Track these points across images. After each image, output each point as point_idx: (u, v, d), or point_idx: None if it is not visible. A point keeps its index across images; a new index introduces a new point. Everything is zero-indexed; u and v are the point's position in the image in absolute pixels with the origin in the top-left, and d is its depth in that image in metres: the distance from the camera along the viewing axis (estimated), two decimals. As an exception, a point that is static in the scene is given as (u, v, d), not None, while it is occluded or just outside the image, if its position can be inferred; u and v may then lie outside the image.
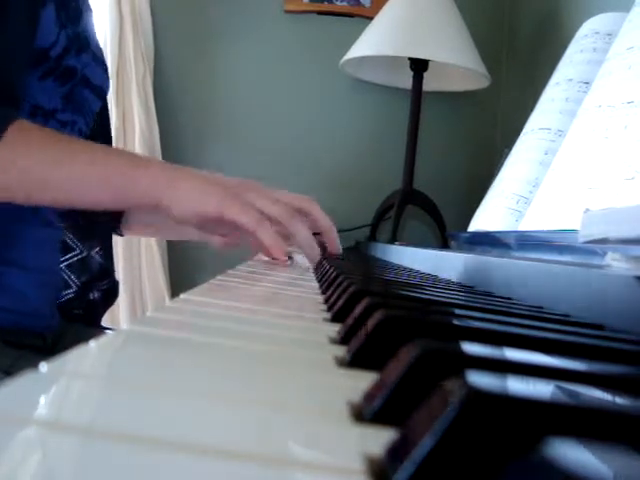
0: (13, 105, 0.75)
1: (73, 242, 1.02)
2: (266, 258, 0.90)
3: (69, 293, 1.01)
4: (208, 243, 0.88)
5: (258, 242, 0.74)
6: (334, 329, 0.37)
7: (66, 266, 1.01)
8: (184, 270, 1.90)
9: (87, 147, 0.76)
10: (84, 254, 1.02)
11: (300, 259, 0.95)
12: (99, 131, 1.02)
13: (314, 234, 0.82)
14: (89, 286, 1.02)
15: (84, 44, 0.86)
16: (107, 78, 0.97)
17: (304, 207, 0.81)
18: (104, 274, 1.04)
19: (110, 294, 1.07)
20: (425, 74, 1.63)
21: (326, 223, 0.84)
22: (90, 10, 0.94)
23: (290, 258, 0.87)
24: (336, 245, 0.87)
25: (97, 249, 1.03)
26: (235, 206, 0.72)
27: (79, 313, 1.02)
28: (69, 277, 1.01)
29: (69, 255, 1.01)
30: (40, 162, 0.70)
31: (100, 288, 1.04)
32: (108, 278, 1.05)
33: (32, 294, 0.85)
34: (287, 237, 0.79)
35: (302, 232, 0.78)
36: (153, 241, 1.79)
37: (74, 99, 0.87)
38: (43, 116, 0.82)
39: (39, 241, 0.87)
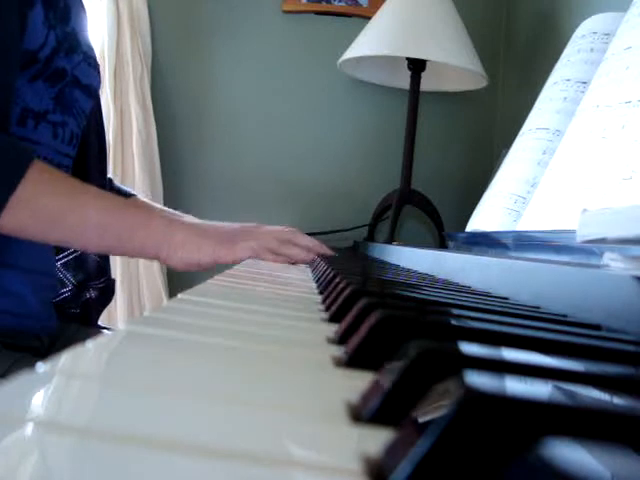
0: (3, 115, 0.75)
1: None
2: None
3: (65, 292, 1.00)
4: None
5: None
6: (332, 329, 0.37)
7: (62, 265, 1.00)
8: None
9: (102, 196, 0.82)
10: (80, 252, 1.02)
11: None
12: (92, 131, 1.01)
13: None
14: (85, 285, 1.02)
15: (74, 44, 0.86)
16: (98, 76, 0.96)
17: (288, 237, 0.91)
18: (100, 272, 1.04)
19: (106, 293, 1.06)
20: (423, 74, 1.63)
21: (311, 243, 0.94)
22: (83, 9, 0.93)
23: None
24: (328, 254, 0.98)
25: None
26: (229, 250, 0.82)
27: (75, 312, 1.02)
28: (65, 276, 1.00)
29: (65, 253, 1.01)
30: (54, 205, 0.74)
31: (96, 287, 1.04)
32: (104, 276, 1.05)
33: (29, 296, 0.84)
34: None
35: (294, 251, 0.90)
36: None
37: (64, 100, 0.86)
38: (34, 118, 0.82)
39: (36, 243, 0.86)
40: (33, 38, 0.78)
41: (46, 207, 0.73)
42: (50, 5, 0.80)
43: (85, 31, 0.92)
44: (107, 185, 1.05)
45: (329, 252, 0.98)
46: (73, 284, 1.01)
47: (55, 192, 0.74)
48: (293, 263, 0.93)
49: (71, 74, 0.85)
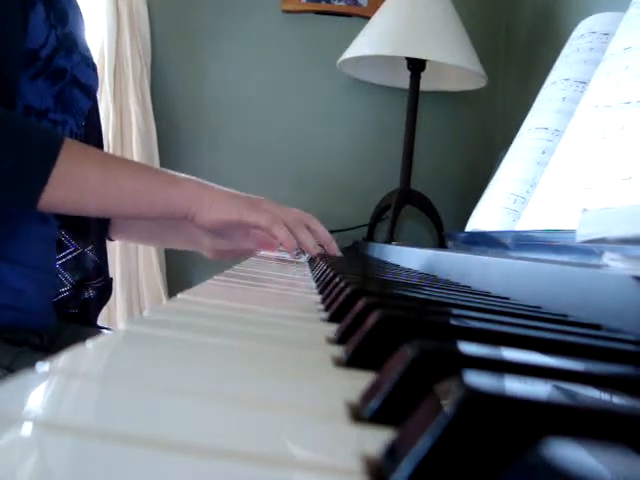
0: (9, 108, 0.76)
1: (67, 240, 1.02)
2: (269, 255, 0.99)
3: (64, 292, 1.01)
4: (200, 252, 1.04)
5: (270, 239, 0.90)
6: (331, 329, 0.37)
7: (60, 265, 1.01)
8: (181, 270, 1.89)
9: (130, 163, 0.88)
10: (78, 251, 1.02)
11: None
12: (90, 130, 1.02)
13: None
14: (84, 284, 1.02)
15: (73, 45, 0.87)
16: (96, 78, 0.98)
17: (307, 221, 0.95)
18: (98, 272, 1.04)
19: (104, 292, 1.07)
20: (422, 74, 1.63)
21: (326, 236, 0.98)
22: (78, 11, 0.94)
23: (300, 253, 1.00)
24: (336, 253, 1.01)
25: (91, 247, 1.04)
26: (253, 212, 0.86)
27: (74, 312, 1.02)
28: (63, 276, 1.01)
29: (63, 253, 1.01)
30: (91, 177, 0.76)
31: (94, 286, 1.04)
32: (102, 276, 1.05)
33: (29, 291, 0.85)
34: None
35: (308, 239, 0.92)
36: (150, 241, 1.79)
37: (64, 99, 0.87)
38: (35, 115, 0.83)
39: (35, 238, 0.87)
40: (34, 37, 0.79)
41: (83, 180, 0.75)
42: (50, 5, 0.82)
43: (82, 34, 0.93)
44: None
45: (336, 251, 1.00)
46: (72, 284, 1.01)
47: (90, 165, 0.77)
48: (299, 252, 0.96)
49: (70, 74, 0.87)
